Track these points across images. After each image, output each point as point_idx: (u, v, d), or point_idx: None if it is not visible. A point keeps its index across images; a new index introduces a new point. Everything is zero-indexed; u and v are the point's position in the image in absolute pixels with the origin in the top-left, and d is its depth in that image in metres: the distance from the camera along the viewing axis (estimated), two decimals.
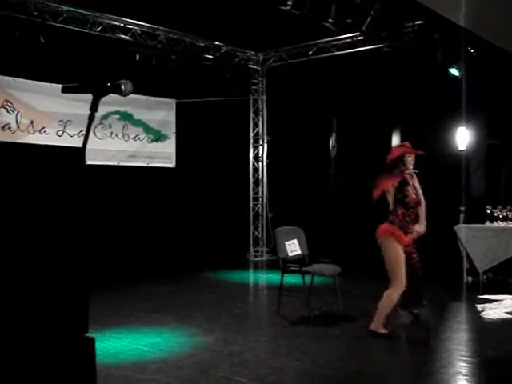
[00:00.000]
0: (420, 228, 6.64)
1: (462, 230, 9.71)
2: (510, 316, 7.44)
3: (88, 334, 2.46)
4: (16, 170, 2.10)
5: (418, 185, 6.65)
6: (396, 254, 6.31)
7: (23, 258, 2.18)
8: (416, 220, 6.61)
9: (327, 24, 8.85)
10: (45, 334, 2.26)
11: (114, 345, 6.10)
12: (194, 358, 5.68)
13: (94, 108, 2.36)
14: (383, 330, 6.35)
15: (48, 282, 2.27)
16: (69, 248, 2.35)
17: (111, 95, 2.47)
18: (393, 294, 6.32)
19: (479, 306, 7.93)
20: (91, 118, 2.36)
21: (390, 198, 6.49)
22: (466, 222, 9.87)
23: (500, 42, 8.92)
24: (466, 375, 5.16)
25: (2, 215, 2.09)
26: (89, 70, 9.47)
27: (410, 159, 6.53)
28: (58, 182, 2.24)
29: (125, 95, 2.40)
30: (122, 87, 2.39)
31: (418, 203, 6.57)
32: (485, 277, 9.65)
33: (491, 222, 9.66)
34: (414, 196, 6.48)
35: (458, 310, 8.38)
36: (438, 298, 8.73)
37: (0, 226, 2.08)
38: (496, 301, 8.25)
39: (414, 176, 6.67)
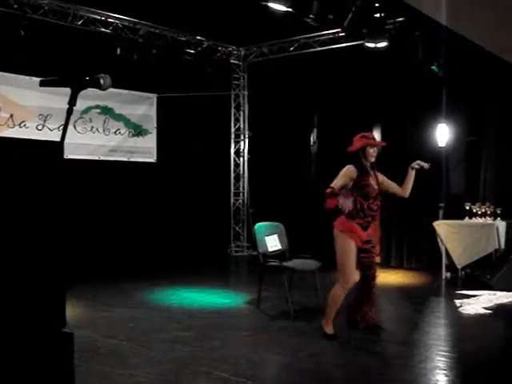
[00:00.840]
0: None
1: (441, 226, 9.81)
2: (487, 311, 7.52)
3: (66, 329, 2.46)
4: None
5: (381, 177, 6.26)
6: (347, 250, 5.97)
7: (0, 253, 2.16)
8: (376, 217, 6.32)
9: (308, 20, 8.86)
10: (22, 329, 2.25)
11: (93, 339, 6.08)
12: (174, 352, 5.67)
13: (72, 102, 2.35)
14: (328, 330, 6.16)
15: (26, 277, 2.26)
16: (47, 243, 2.35)
17: (92, 89, 2.46)
18: (336, 292, 6.07)
19: (457, 302, 7.99)
20: (69, 111, 2.35)
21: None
22: (445, 218, 9.96)
23: (480, 40, 8.99)
24: (443, 369, 5.21)
25: None
26: (69, 64, 9.41)
27: (372, 151, 6.09)
28: (36, 175, 2.24)
29: (104, 89, 2.40)
30: (101, 81, 2.38)
31: (378, 196, 6.12)
32: (463, 272, 9.75)
33: (470, 218, 9.77)
34: (375, 187, 6.06)
35: (436, 305, 8.46)
36: (417, 293, 8.81)
37: None
38: (474, 296, 8.32)
39: (375, 168, 6.24)
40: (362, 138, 6.13)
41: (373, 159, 6.12)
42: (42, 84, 2.46)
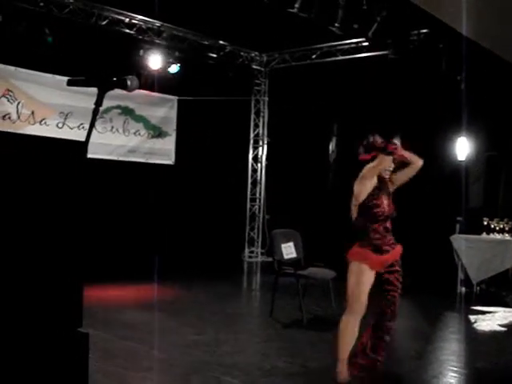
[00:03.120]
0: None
1: (458, 240, 9.72)
2: (502, 328, 7.44)
3: (81, 329, 2.45)
4: (19, 161, 2.09)
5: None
6: (363, 281, 4.94)
7: (19, 251, 2.16)
8: (388, 232, 5.09)
9: (333, 28, 8.85)
10: (38, 328, 2.24)
11: (106, 340, 6.08)
12: (186, 356, 5.66)
13: (98, 102, 2.34)
14: (342, 377, 4.99)
15: (43, 276, 2.25)
16: (65, 242, 2.34)
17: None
18: (349, 322, 5.00)
19: (472, 317, 7.93)
20: (96, 112, 2.34)
21: (359, 197, 5.02)
22: (462, 232, 9.87)
23: (502, 52, 8.94)
24: None
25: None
26: (92, 64, 9.44)
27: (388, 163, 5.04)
28: (59, 174, 2.23)
29: (130, 91, 2.39)
30: (128, 82, 2.37)
31: (388, 217, 5.06)
32: (478, 288, 9.66)
33: (487, 233, 9.67)
34: (386, 208, 5.02)
35: (450, 320, 8.38)
36: (431, 308, 8.73)
37: None
38: (489, 312, 8.25)
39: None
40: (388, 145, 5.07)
41: (386, 175, 5.08)
42: (69, 83, 2.46)
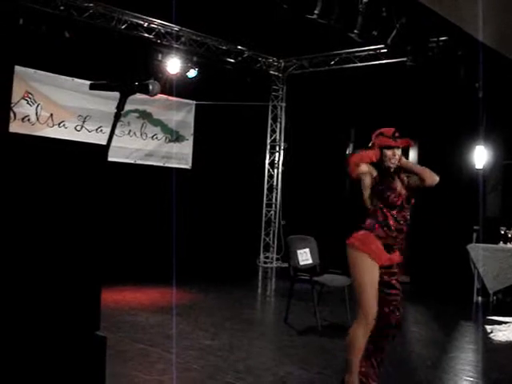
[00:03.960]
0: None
1: (475, 249, 9.65)
2: None
3: (99, 332, 2.46)
4: (42, 164, 2.10)
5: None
6: (367, 271, 4.52)
7: (38, 253, 2.17)
8: (403, 236, 4.64)
9: (352, 35, 8.82)
10: (57, 331, 2.25)
11: (121, 343, 6.09)
12: (200, 361, 5.66)
13: (120, 107, 2.36)
14: None
15: (62, 279, 2.27)
16: (84, 245, 2.35)
17: None
18: (355, 333, 4.53)
19: (488, 328, 7.86)
20: (117, 116, 2.36)
21: (366, 190, 4.69)
22: (480, 241, 9.80)
23: None
24: None
25: (20, 208, 2.09)
26: (111, 67, 9.49)
27: (391, 154, 4.59)
28: (81, 177, 2.24)
29: (152, 95, 2.40)
30: (150, 87, 2.39)
31: (406, 204, 4.64)
32: (495, 298, 9.59)
33: (505, 242, 9.60)
34: (401, 192, 4.62)
35: (467, 329, 8.31)
36: (447, 317, 8.68)
37: (17, 220, 2.08)
38: (506, 323, 8.18)
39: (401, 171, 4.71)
40: (379, 137, 4.70)
41: (392, 165, 4.60)
42: (92, 87, 2.47)
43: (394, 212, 4.55)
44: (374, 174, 4.61)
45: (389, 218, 4.53)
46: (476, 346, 7.27)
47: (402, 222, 4.57)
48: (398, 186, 4.61)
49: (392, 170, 4.61)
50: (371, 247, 4.51)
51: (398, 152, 4.62)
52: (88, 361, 2.38)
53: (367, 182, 4.64)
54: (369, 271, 4.50)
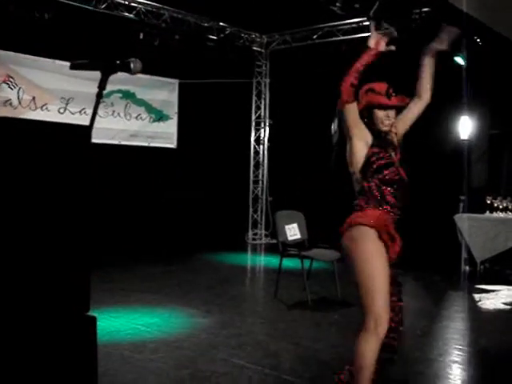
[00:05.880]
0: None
1: (462, 219, 9.72)
2: (506, 307, 7.46)
3: (89, 313, 2.47)
4: (25, 147, 2.08)
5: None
6: (375, 253, 3.63)
7: (25, 236, 2.16)
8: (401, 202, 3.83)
9: (335, 8, 8.79)
10: (46, 312, 2.26)
11: (112, 324, 6.11)
12: (192, 339, 5.69)
13: (102, 86, 2.34)
14: None
15: (51, 261, 2.26)
16: (72, 227, 2.34)
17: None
18: (366, 348, 3.46)
19: (476, 296, 7.95)
20: (99, 95, 2.34)
21: (355, 155, 3.82)
22: (466, 211, 9.86)
23: (505, 31, 8.88)
24: (461, 364, 5.19)
25: (4, 191, 2.07)
26: (92, 48, 9.40)
27: (384, 115, 3.79)
28: (64, 159, 2.23)
29: (134, 73, 2.39)
30: (131, 65, 2.37)
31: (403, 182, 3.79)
32: (482, 267, 9.68)
33: (491, 212, 9.67)
34: (399, 168, 3.81)
35: (455, 299, 8.41)
36: (435, 287, 8.77)
37: (2, 203, 2.07)
38: (493, 291, 8.27)
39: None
40: (368, 93, 3.92)
41: (385, 128, 3.78)
42: (72, 67, 2.45)
43: (392, 188, 3.77)
44: (370, 141, 3.75)
45: (384, 193, 3.75)
46: (464, 314, 7.36)
47: (399, 197, 3.82)
48: (393, 155, 3.80)
49: (388, 135, 3.81)
50: (378, 223, 3.72)
51: (392, 114, 3.83)
52: (79, 341, 2.39)
53: (358, 146, 3.79)
54: (378, 253, 3.62)
